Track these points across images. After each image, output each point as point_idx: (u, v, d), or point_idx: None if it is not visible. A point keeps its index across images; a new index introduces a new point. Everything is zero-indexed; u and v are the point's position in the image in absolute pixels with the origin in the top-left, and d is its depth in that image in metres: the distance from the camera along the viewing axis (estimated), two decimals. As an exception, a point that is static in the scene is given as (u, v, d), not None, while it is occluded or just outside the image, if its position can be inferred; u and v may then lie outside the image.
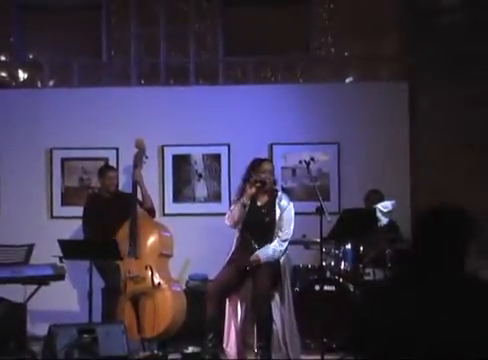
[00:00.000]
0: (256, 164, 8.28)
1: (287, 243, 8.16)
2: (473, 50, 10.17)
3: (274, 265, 8.10)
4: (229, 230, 8.40)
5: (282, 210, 8.14)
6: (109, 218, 9.25)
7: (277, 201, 8.18)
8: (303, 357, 8.27)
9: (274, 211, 8.16)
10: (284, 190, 8.99)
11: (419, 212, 4.22)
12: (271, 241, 8.11)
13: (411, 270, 3.91)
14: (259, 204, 8.24)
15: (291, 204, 8.22)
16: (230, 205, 9.04)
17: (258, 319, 8.10)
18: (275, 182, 8.43)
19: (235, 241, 8.25)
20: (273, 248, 8.08)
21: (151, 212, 9.44)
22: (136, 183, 9.20)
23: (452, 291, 3.74)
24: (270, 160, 8.88)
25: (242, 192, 8.20)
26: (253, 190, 8.13)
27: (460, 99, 10.13)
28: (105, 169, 9.84)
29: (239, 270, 8.16)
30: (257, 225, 8.19)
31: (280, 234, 8.11)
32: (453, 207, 3.96)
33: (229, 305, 8.23)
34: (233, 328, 8.25)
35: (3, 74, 11.10)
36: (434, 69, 10.28)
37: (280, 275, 8.17)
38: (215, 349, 8.18)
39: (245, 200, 8.15)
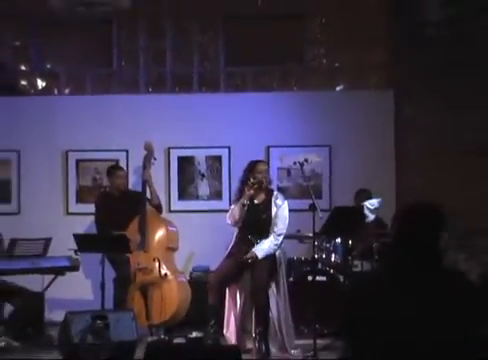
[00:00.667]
0: (252, 166, 8.30)
1: (282, 237, 8.17)
2: (454, 61, 10.19)
3: (270, 258, 8.12)
4: (228, 226, 8.44)
5: (277, 208, 8.17)
6: (119, 214, 9.24)
7: (273, 199, 8.21)
8: (297, 342, 8.28)
9: (270, 209, 8.19)
10: (279, 189, 8.98)
11: (398, 209, 4.25)
12: (267, 236, 8.16)
13: (396, 263, 3.95)
14: (256, 202, 8.26)
15: (286, 202, 8.24)
16: (230, 203, 9.07)
17: (256, 308, 8.11)
18: (270, 182, 8.46)
19: (235, 236, 8.29)
20: (269, 243, 8.12)
21: (158, 209, 9.46)
22: (145, 182, 9.23)
23: (433, 281, 3.78)
24: (265, 161, 8.88)
25: (240, 193, 8.24)
26: (252, 191, 8.17)
27: (441, 106, 10.14)
28: (113, 169, 9.84)
29: (238, 263, 8.19)
30: (255, 221, 8.20)
31: (275, 229, 8.13)
32: (428, 204, 4.00)
33: (229, 295, 8.25)
34: (233, 316, 8.28)
35: (23, 82, 11.12)
36: (417, 78, 10.29)
37: (276, 267, 8.20)
38: (216, 335, 8.21)
39: (244, 201, 8.18)
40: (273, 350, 8.15)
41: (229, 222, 8.26)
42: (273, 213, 8.16)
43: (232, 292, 8.26)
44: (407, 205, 4.13)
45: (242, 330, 8.28)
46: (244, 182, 8.20)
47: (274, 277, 8.20)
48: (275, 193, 8.29)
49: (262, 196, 8.26)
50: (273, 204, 8.19)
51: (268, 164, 8.67)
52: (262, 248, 8.08)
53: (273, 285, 8.22)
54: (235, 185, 8.83)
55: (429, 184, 9.66)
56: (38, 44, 11.11)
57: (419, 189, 9.59)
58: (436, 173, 9.96)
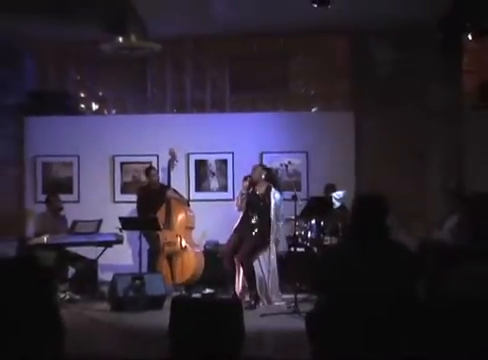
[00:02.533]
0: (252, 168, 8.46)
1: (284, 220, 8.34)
2: (398, 90, 10.26)
3: (261, 235, 8.22)
4: (232, 210, 8.47)
5: (276, 200, 8.23)
6: (152, 203, 9.23)
7: (272, 193, 8.24)
8: (283, 296, 8.33)
9: (266, 199, 8.23)
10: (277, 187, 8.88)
11: (353, 198, 4.30)
12: (263, 217, 8.22)
13: (353, 237, 4.01)
14: (258, 192, 8.31)
15: (281, 196, 8.35)
16: (234, 194, 9.11)
17: (245, 272, 8.19)
18: (274, 180, 8.49)
19: (239, 217, 8.34)
20: (281, 230, 8.33)
21: (187, 204, 9.50)
22: (170, 198, 9.21)
23: (382, 251, 3.84)
24: (260, 165, 8.86)
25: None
26: (246, 183, 8.27)
27: (388, 123, 10.22)
28: (149, 170, 9.83)
29: (240, 237, 8.25)
30: (256, 206, 8.26)
31: (280, 216, 8.26)
32: (374, 195, 4.07)
33: (236, 261, 8.29)
34: (238, 277, 8.32)
35: (82, 106, 11.08)
36: (371, 103, 10.35)
37: (268, 241, 8.27)
38: (228, 289, 8.31)
39: (243, 191, 8.26)
40: (265, 302, 8.21)
41: (236, 208, 8.34)
42: (272, 204, 8.20)
43: (238, 259, 8.26)
44: (359, 195, 4.20)
45: (244, 288, 8.33)
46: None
47: (264, 248, 8.28)
48: (273, 189, 8.32)
49: (263, 189, 8.32)
50: (272, 197, 8.24)
51: (265, 167, 8.65)
52: (282, 241, 8.35)
53: (264, 254, 8.30)
54: (237, 181, 8.91)
55: (379, 180, 9.69)
56: (93, 77, 11.10)
57: (372, 184, 9.61)
58: (384, 172, 10.00)
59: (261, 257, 8.27)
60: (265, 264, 8.27)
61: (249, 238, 8.17)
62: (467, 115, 10.15)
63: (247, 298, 8.19)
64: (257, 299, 8.12)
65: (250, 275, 8.16)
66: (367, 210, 3.91)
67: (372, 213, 3.88)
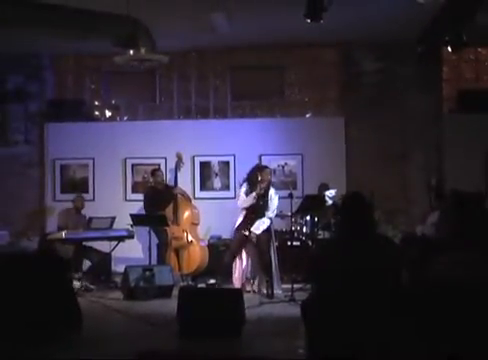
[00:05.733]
0: (261, 168, 8.38)
1: (271, 218, 8.23)
2: (382, 97, 10.30)
3: (269, 231, 8.22)
4: (234, 208, 8.45)
5: (270, 199, 8.20)
6: (159, 201, 9.24)
7: (270, 192, 8.23)
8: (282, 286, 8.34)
9: (267, 199, 8.22)
10: (273, 185, 8.90)
11: (341, 197, 4.32)
12: (263, 215, 8.20)
13: (344, 231, 4.03)
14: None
15: (277, 196, 8.28)
16: (235, 193, 9.09)
17: (264, 265, 8.14)
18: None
19: (241, 215, 8.28)
20: (263, 222, 8.14)
21: (189, 200, 9.51)
22: (177, 194, 9.24)
23: (370, 244, 3.86)
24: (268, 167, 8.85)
25: (249, 185, 8.23)
26: (263, 185, 8.18)
27: (375, 127, 10.24)
28: (155, 171, 9.82)
29: (244, 234, 8.23)
30: (256, 205, 8.21)
31: (267, 213, 8.16)
32: (357, 193, 4.09)
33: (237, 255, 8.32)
34: (238, 269, 8.31)
35: (97, 113, 11.10)
36: (359, 109, 10.37)
37: (272, 237, 8.28)
38: (227, 280, 8.30)
39: (255, 195, 8.16)
40: (263, 291, 8.17)
41: (242, 207, 8.26)
42: (269, 202, 8.20)
43: (239, 254, 8.30)
44: (346, 194, 4.22)
45: (245, 279, 8.32)
46: (253, 178, 8.21)
47: (272, 243, 8.28)
48: (271, 189, 8.31)
49: (261, 190, 8.29)
50: (268, 196, 8.22)
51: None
52: (259, 227, 8.11)
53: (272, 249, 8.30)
54: (237, 182, 8.88)
55: (367, 179, 9.70)
56: (106, 87, 11.11)
57: (361, 183, 9.61)
58: (372, 172, 10.03)
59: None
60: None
61: (260, 236, 8.15)
62: (445, 119, 10.21)
63: (248, 288, 8.20)
64: (272, 290, 8.07)
65: (269, 268, 8.12)
66: (356, 207, 3.93)
67: (361, 209, 3.90)
